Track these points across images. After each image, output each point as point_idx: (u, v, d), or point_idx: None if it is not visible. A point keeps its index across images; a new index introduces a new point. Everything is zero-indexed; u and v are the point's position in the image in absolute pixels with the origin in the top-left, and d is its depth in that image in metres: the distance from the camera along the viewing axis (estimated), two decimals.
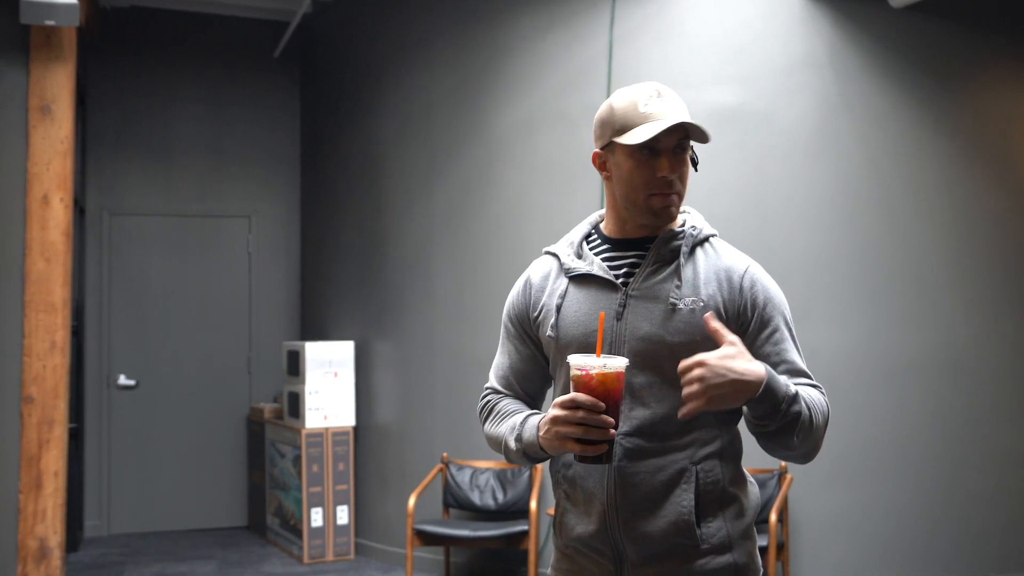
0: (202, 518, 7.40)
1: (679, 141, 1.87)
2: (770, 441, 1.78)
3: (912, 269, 5.19)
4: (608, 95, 5.36)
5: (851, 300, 5.15)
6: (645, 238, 1.92)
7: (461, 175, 5.95)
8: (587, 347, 1.87)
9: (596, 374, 1.71)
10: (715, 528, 1.83)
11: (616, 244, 1.94)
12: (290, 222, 7.72)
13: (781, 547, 4.91)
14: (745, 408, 1.75)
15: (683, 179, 1.90)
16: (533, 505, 5.24)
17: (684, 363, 1.67)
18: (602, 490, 1.85)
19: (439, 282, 6.01)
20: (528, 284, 2.02)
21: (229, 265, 7.58)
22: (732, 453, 1.88)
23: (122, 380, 7.23)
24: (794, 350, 1.87)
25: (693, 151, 1.93)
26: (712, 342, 1.76)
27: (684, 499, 1.81)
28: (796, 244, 5.15)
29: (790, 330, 1.89)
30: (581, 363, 1.72)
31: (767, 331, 1.85)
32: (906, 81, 5.23)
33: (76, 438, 6.60)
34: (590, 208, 5.37)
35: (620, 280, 1.89)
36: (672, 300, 1.83)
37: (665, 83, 5.47)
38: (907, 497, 5.13)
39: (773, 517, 4.72)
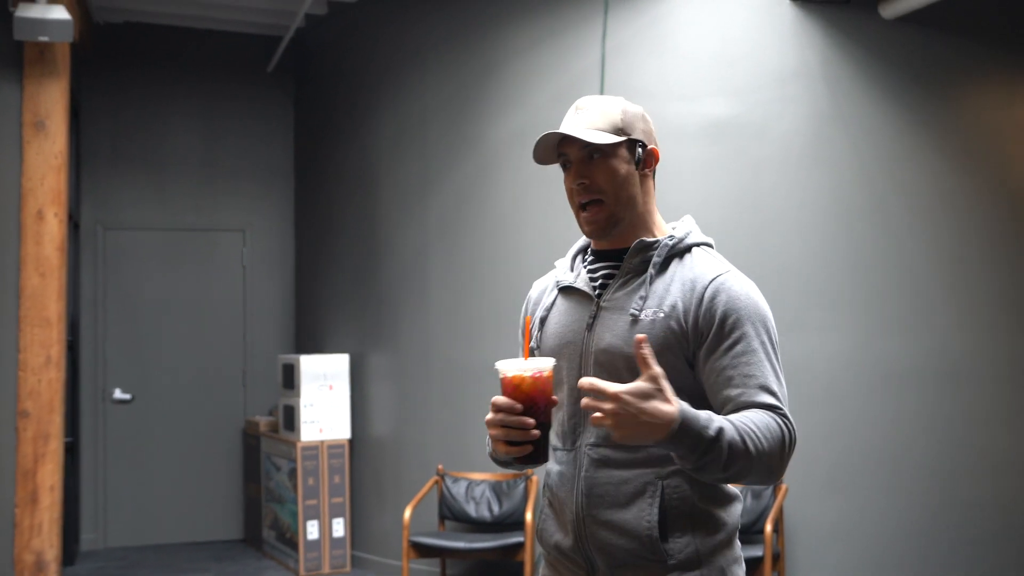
0: (198, 531, 7.40)
1: (586, 149, 1.86)
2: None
3: (906, 277, 5.21)
4: None
5: (846, 308, 5.17)
6: (624, 249, 1.92)
7: (455, 187, 5.97)
8: (562, 357, 1.90)
9: (512, 376, 1.76)
10: (683, 544, 1.79)
11: (599, 255, 1.96)
12: (284, 235, 7.73)
13: (777, 557, 4.91)
14: None
15: (604, 184, 1.86)
16: (529, 516, 5.24)
17: (601, 387, 1.60)
18: (572, 501, 1.86)
19: (434, 294, 6.03)
20: (528, 300, 2.08)
21: (224, 278, 7.59)
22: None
23: (117, 394, 7.23)
24: (760, 364, 1.76)
25: (639, 149, 1.88)
26: (671, 354, 1.76)
27: (648, 513, 1.79)
28: (790, 253, 5.17)
29: (764, 345, 1.78)
30: (499, 367, 1.78)
31: (726, 344, 1.76)
32: (898, 91, 5.26)
33: (72, 452, 6.59)
34: None
35: (596, 292, 1.91)
36: (632, 311, 1.83)
37: (657, 96, 5.50)
38: (902, 505, 5.14)
39: (768, 527, 4.73)
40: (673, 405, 1.60)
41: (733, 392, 1.75)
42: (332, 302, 6.96)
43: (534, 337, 1.99)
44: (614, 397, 1.59)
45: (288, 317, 7.71)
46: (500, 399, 1.75)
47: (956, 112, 5.39)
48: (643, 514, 1.79)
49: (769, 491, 5.01)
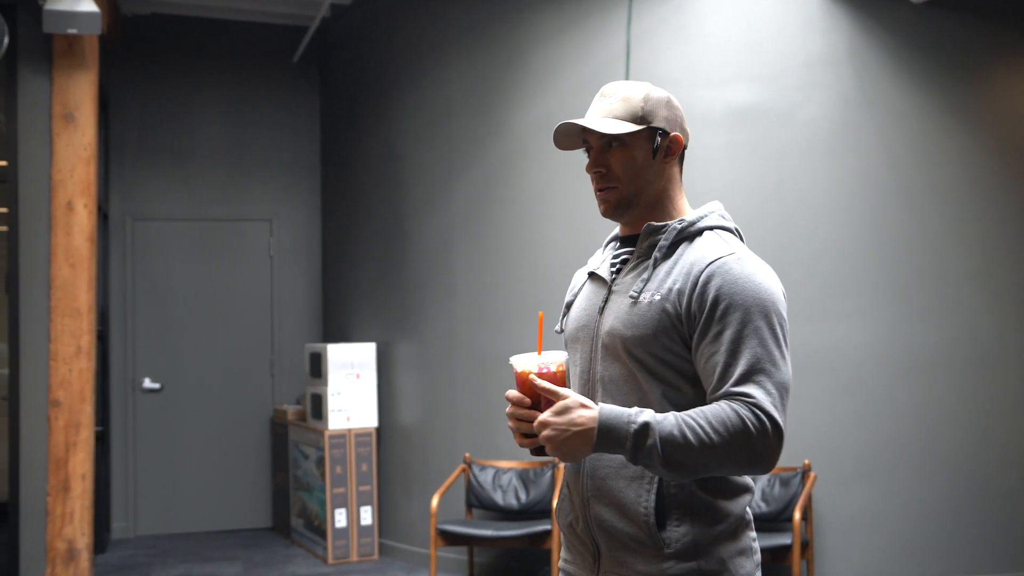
0: (227, 519, 7.46)
1: (604, 137, 1.88)
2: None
3: (934, 264, 5.17)
4: None
5: (873, 295, 5.14)
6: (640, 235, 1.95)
7: (480, 176, 5.97)
8: (576, 340, 1.95)
9: (521, 371, 1.80)
10: (681, 533, 1.78)
11: (623, 241, 1.98)
12: (311, 225, 7.76)
13: (805, 545, 4.90)
14: None
15: (619, 172, 1.88)
16: (556, 504, 5.24)
17: (534, 426, 1.75)
18: (579, 481, 1.88)
19: (460, 282, 6.04)
20: (570, 285, 2.11)
21: (251, 268, 7.63)
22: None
23: (147, 383, 7.29)
24: (747, 352, 1.71)
25: (659, 137, 1.89)
26: (667, 337, 1.78)
27: (645, 499, 1.79)
28: (817, 240, 5.14)
29: (759, 331, 1.73)
30: (512, 362, 1.83)
31: (715, 330, 1.74)
32: (926, 76, 5.21)
33: (102, 441, 6.66)
34: None
35: (612, 276, 1.93)
36: (632, 294, 1.84)
37: (682, 82, 5.47)
38: (930, 493, 5.11)
39: (797, 515, 4.71)
40: (593, 408, 1.71)
41: (715, 380, 1.74)
42: (358, 291, 6.99)
43: (560, 322, 2.04)
44: (542, 424, 1.72)
45: (315, 306, 7.75)
46: (512, 393, 1.80)
47: (985, 97, 5.33)
48: (640, 499, 1.79)
49: (798, 479, 4.99)
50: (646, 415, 1.69)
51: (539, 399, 1.78)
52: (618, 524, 1.82)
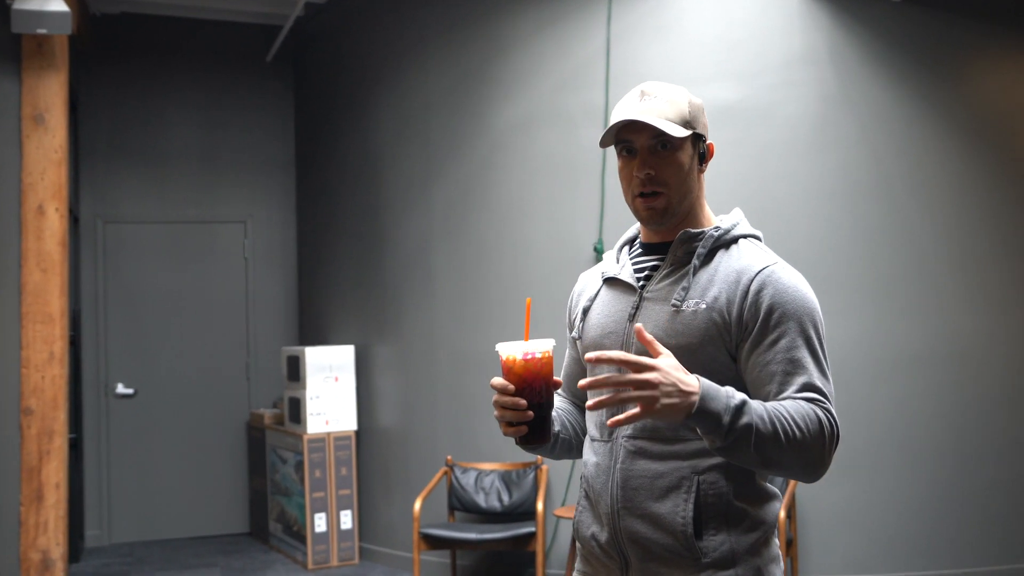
0: (204, 525, 7.37)
1: (656, 139, 1.82)
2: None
3: (915, 260, 5.18)
4: (606, 93, 5.35)
5: (855, 292, 5.14)
6: (671, 241, 1.90)
7: (459, 176, 5.92)
8: (601, 347, 1.89)
9: (506, 358, 1.79)
10: (718, 542, 1.76)
11: (647, 248, 1.94)
12: (286, 226, 7.68)
13: (790, 543, 4.89)
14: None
15: (669, 177, 1.83)
16: (539, 506, 5.21)
17: (628, 358, 1.57)
18: (607, 492, 1.84)
19: (439, 284, 5.98)
20: (573, 293, 2.08)
21: (226, 271, 7.54)
22: (743, 467, 1.78)
23: (120, 389, 7.19)
24: (804, 360, 1.73)
25: (702, 144, 1.87)
26: (712, 346, 1.75)
27: (683, 509, 1.76)
28: (798, 238, 5.13)
29: (810, 340, 1.75)
30: (498, 348, 1.82)
31: (770, 338, 1.74)
32: (906, 73, 5.22)
33: (75, 448, 6.55)
34: (590, 206, 5.34)
35: (640, 283, 1.89)
36: (674, 303, 1.80)
37: (662, 80, 5.43)
38: (913, 489, 5.12)
39: (782, 513, 4.70)
40: (694, 377, 1.62)
41: (775, 387, 1.73)
42: (336, 293, 6.92)
43: (576, 328, 1.99)
44: (652, 367, 1.58)
45: (291, 309, 7.67)
46: (496, 380, 1.78)
47: (965, 94, 5.34)
48: (678, 509, 1.76)
49: (781, 477, 4.98)
50: (739, 395, 1.63)
51: (525, 384, 1.76)
52: (652, 536, 1.79)
